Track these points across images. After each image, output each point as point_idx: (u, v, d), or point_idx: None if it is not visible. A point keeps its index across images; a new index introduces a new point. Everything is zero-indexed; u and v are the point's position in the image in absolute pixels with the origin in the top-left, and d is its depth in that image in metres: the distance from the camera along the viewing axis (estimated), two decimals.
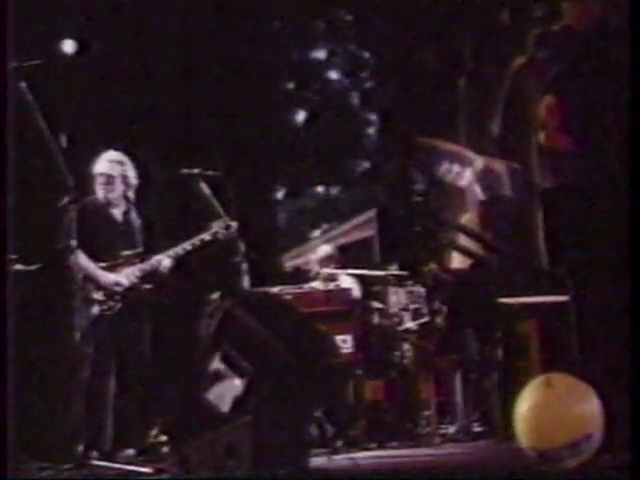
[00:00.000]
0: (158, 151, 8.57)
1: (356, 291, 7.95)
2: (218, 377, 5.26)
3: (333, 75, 10.32)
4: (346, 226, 9.68)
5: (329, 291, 7.72)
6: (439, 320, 7.51)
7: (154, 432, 7.05)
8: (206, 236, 6.92)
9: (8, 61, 5.55)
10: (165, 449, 6.53)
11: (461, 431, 7.36)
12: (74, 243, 6.15)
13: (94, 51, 8.11)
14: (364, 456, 6.55)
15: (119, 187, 6.98)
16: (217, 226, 6.89)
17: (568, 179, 8.76)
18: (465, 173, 9.66)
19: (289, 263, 9.33)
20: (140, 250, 6.96)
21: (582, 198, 8.17)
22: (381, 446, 7.21)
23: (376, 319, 7.73)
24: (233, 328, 5.35)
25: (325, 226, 10.25)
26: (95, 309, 6.77)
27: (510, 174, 9.40)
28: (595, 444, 4.63)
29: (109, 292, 6.80)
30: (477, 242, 9.13)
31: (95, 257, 6.80)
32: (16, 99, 5.76)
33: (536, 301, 7.49)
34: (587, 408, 4.67)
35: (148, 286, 6.91)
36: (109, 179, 6.95)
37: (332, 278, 7.99)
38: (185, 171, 6.98)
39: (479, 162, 9.59)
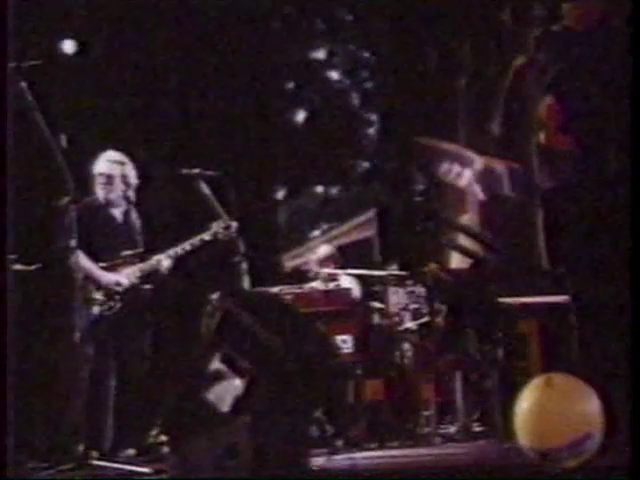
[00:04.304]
0: (158, 151, 8.58)
1: (356, 291, 7.96)
2: (218, 377, 5.26)
3: (333, 75, 10.33)
4: (346, 226, 9.69)
5: (329, 291, 7.73)
6: (439, 320, 7.51)
7: (154, 432, 7.06)
8: (206, 236, 6.92)
9: (8, 61, 5.55)
10: (165, 449, 6.53)
11: (461, 431, 7.36)
12: (74, 243, 6.15)
13: (94, 51, 8.11)
14: (364, 456, 6.55)
15: (119, 187, 6.98)
16: (217, 226, 6.89)
17: (568, 179, 8.75)
18: (465, 173, 9.67)
19: (289, 263, 9.34)
20: (140, 250, 6.96)
21: (582, 198, 8.16)
22: (381, 446, 7.20)
23: (376, 319, 7.74)
24: (233, 328, 5.34)
25: (325, 226, 10.27)
26: (95, 309, 6.77)
27: (510, 174, 9.40)
28: (595, 444, 4.63)
29: (109, 292, 6.80)
30: (477, 242, 9.12)
31: (95, 257, 6.81)
32: (16, 99, 5.76)
33: (536, 301, 7.49)
34: (587, 408, 4.67)
35: (148, 286, 6.91)
36: (109, 179, 6.95)
37: (332, 278, 8.00)
38: (185, 171, 6.98)
39: (479, 162, 9.59)
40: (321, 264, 8.18)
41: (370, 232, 9.35)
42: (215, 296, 6.59)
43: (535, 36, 9.07)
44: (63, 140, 6.33)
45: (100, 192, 6.96)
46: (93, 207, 6.92)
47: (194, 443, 5.26)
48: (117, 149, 7.07)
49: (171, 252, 6.92)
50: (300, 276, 8.36)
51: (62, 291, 6.69)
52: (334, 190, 10.36)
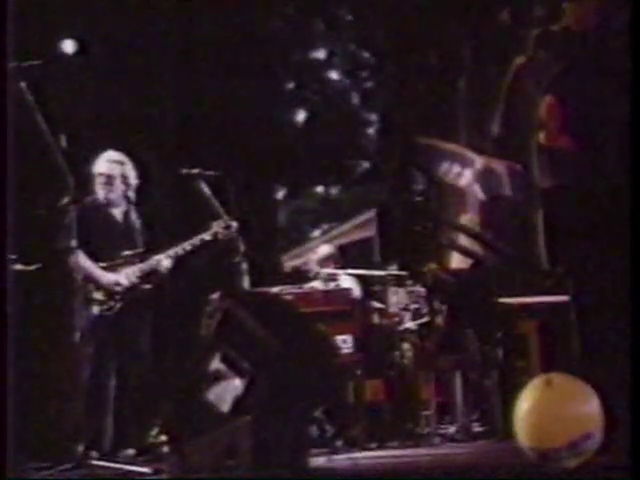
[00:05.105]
0: (158, 151, 8.57)
1: (356, 291, 7.95)
2: (218, 377, 5.26)
3: (333, 75, 10.32)
4: (346, 226, 9.68)
5: (329, 291, 7.72)
6: (439, 320, 7.50)
7: (154, 432, 7.05)
8: (206, 236, 6.92)
9: (8, 61, 5.55)
10: (165, 449, 6.53)
11: (461, 431, 7.36)
12: (74, 243, 6.15)
13: (94, 51, 8.11)
14: (364, 456, 6.55)
15: (119, 187, 6.98)
16: (217, 226, 6.89)
17: (568, 179, 8.77)
18: (465, 173, 9.67)
19: (289, 263, 9.33)
20: (140, 250, 6.96)
21: (582, 198, 8.18)
22: (381, 446, 7.20)
23: (376, 319, 7.73)
24: (233, 328, 5.35)
25: (325, 226, 10.26)
26: (95, 309, 6.77)
27: (510, 174, 9.41)
28: (595, 444, 4.63)
29: (109, 292, 6.79)
30: (477, 242, 9.13)
31: (95, 257, 6.80)
32: (16, 99, 5.76)
33: (536, 301, 7.49)
34: (587, 408, 4.67)
35: (148, 286, 6.91)
36: (109, 179, 6.95)
37: (332, 278, 7.99)
38: (185, 171, 6.98)
39: (479, 162, 9.59)
40: (321, 264, 8.17)
41: (370, 232, 9.34)
42: (215, 296, 6.60)
43: (535, 36, 9.09)
44: (63, 140, 6.32)
45: (100, 192, 6.96)
46: (93, 207, 6.92)
47: (194, 443, 5.27)
48: (117, 149, 7.07)
49: (171, 252, 6.92)
50: (300, 276, 8.35)
51: (62, 291, 6.69)
52: (334, 190, 10.34)
